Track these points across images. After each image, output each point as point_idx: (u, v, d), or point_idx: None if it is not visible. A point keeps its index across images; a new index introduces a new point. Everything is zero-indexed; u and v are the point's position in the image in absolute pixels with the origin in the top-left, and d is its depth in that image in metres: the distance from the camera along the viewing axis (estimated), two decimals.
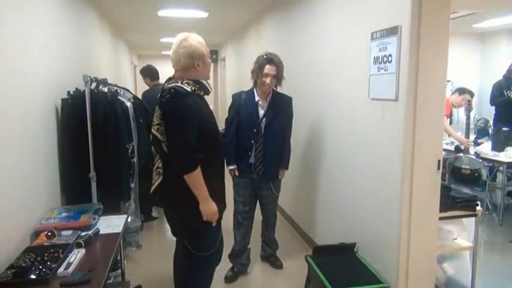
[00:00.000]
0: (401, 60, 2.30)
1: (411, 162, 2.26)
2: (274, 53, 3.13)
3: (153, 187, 2.15)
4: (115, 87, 3.40)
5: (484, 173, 4.50)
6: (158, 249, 3.86)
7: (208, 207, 2.07)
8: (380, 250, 2.53)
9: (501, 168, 4.43)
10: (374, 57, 2.57)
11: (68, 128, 2.87)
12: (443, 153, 4.99)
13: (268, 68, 2.98)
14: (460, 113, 6.01)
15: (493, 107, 5.53)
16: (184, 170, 1.99)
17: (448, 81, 6.66)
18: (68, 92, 2.98)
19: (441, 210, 2.40)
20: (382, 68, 2.49)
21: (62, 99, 2.91)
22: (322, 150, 3.47)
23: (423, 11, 2.18)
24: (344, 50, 3.03)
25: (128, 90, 3.88)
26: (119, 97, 3.25)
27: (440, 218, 2.42)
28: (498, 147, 4.51)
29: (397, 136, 2.32)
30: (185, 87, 2.01)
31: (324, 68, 3.40)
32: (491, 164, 4.58)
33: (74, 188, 2.91)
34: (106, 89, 3.18)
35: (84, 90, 2.87)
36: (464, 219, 2.65)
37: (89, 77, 2.92)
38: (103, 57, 5.41)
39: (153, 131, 2.07)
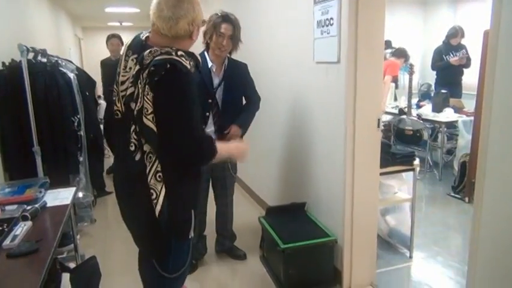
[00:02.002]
0: (341, 23, 2.36)
1: (353, 121, 2.37)
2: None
3: (159, 205, 1.49)
4: (56, 58, 3.25)
5: (425, 134, 4.81)
6: (113, 223, 3.83)
7: (237, 147, 1.78)
8: (328, 207, 2.68)
9: (441, 128, 4.73)
10: (317, 21, 2.63)
11: (7, 101, 2.73)
12: (389, 116, 5.30)
13: (224, 27, 2.54)
14: (405, 78, 6.28)
15: (435, 72, 5.83)
16: (205, 163, 1.61)
17: (393, 47, 6.93)
18: (3, 63, 2.81)
19: (382, 166, 2.55)
20: (325, 32, 2.55)
21: None
22: (273, 114, 3.54)
23: None
24: (290, 14, 3.06)
25: (71, 62, 3.72)
26: (60, 68, 3.11)
27: (381, 174, 2.58)
28: (437, 108, 4.80)
29: (340, 97, 2.42)
30: (183, 62, 1.46)
31: (273, 33, 3.43)
32: (432, 126, 4.89)
33: (18, 165, 2.81)
34: (45, 60, 3.03)
35: (20, 61, 2.72)
36: (403, 174, 2.84)
37: (25, 46, 2.76)
38: (41, 28, 5.09)
39: (146, 121, 1.43)
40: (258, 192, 4.15)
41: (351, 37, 2.31)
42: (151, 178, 1.49)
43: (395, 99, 5.94)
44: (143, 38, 1.59)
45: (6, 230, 1.82)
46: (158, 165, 1.49)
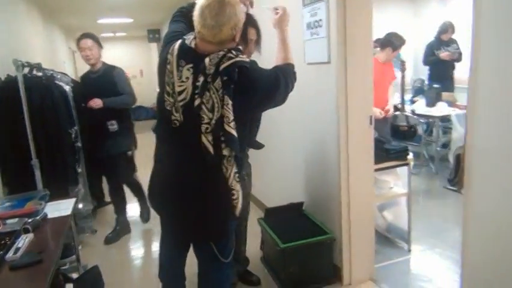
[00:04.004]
0: (330, 24, 2.41)
1: (346, 119, 2.41)
2: None
3: (240, 203, 1.70)
4: (51, 72, 3.29)
5: (420, 129, 4.85)
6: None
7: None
8: (325, 205, 2.71)
9: (436, 123, 4.78)
10: (307, 23, 2.67)
11: (4, 116, 2.77)
12: None
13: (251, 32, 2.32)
14: (398, 75, 6.33)
15: (427, 67, 5.88)
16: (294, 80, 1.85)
17: None
18: None
19: (377, 162, 2.60)
20: (314, 33, 2.60)
21: None
22: (267, 117, 3.57)
23: None
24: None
25: (66, 75, 3.76)
26: (56, 81, 3.15)
27: (376, 170, 2.63)
28: (431, 103, 4.85)
29: (331, 96, 2.46)
30: (244, 59, 1.60)
31: (264, 35, 3.46)
32: (426, 121, 4.93)
33: (16, 179, 2.84)
34: (40, 74, 3.07)
35: (16, 76, 2.75)
36: (398, 169, 2.88)
37: (20, 61, 2.80)
38: (35, 43, 5.13)
39: (229, 128, 1.56)
40: (256, 194, 4.18)
41: (340, 38, 2.35)
42: (232, 180, 1.65)
43: None
44: (191, 45, 1.61)
45: (8, 243, 1.85)
46: (236, 167, 1.65)
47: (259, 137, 2.62)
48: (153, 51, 11.54)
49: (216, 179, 1.65)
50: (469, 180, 1.57)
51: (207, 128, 1.57)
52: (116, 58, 11.76)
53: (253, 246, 3.13)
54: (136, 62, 11.92)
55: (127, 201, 3.82)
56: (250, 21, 2.19)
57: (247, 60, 1.61)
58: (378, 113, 3.63)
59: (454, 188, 4.11)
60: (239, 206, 1.68)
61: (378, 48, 3.96)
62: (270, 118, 3.47)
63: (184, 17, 1.89)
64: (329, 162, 2.57)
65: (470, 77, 1.52)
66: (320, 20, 2.51)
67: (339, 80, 2.39)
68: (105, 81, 3.36)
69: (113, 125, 3.38)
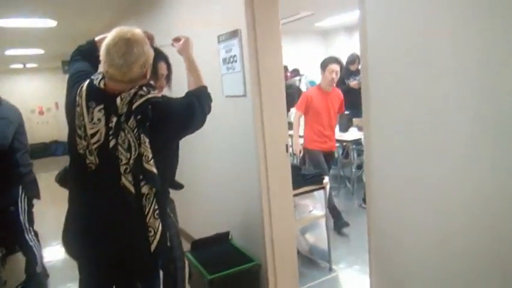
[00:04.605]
0: (244, 60, 2.55)
1: (264, 148, 2.54)
2: None
3: (156, 241, 1.64)
4: None
5: (336, 153, 5.20)
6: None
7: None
8: (250, 233, 2.78)
9: (351, 146, 5.16)
10: (223, 58, 2.80)
11: None
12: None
13: (161, 66, 2.32)
14: None
15: None
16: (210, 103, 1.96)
17: (302, 74, 7.43)
18: None
19: (295, 187, 2.75)
20: (230, 68, 2.73)
21: None
22: (191, 149, 3.61)
23: (256, 16, 2.45)
24: (199, 52, 3.20)
25: None
26: None
27: (295, 195, 2.78)
28: (343, 128, 5.25)
29: (249, 127, 2.58)
30: (156, 95, 1.62)
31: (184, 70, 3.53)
32: (341, 145, 5.31)
33: None
34: None
35: None
36: (315, 193, 3.07)
37: None
38: None
39: (148, 166, 1.55)
40: (184, 227, 4.13)
41: (253, 72, 2.50)
42: (150, 217, 1.61)
43: None
44: (100, 85, 1.58)
45: None
46: (156, 204, 1.62)
47: (181, 171, 2.65)
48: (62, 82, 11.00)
49: (135, 217, 1.63)
50: (369, 199, 1.76)
51: (126, 169, 1.56)
52: (28, 91, 11.13)
53: None
54: (51, 95, 11.25)
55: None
56: (160, 56, 2.19)
57: (159, 95, 1.64)
58: (298, 147, 4.04)
59: None
60: (155, 242, 1.64)
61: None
62: (192, 149, 3.52)
63: (84, 55, 1.85)
64: (251, 190, 2.66)
65: (364, 109, 1.72)
66: (235, 55, 2.65)
67: (255, 112, 2.53)
68: None
69: None
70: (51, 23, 5.36)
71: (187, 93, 1.87)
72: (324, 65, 4.12)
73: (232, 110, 2.78)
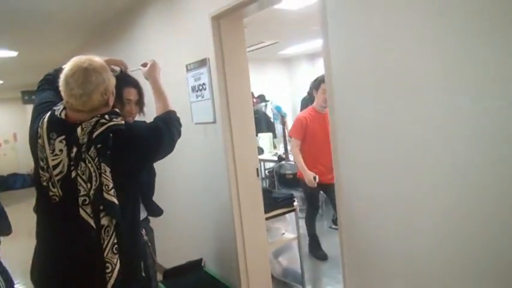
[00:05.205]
0: (213, 87, 2.62)
1: (235, 173, 2.58)
2: None
3: (113, 279, 1.52)
4: None
5: None
6: None
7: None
8: (223, 258, 2.78)
9: None
10: (192, 87, 2.86)
11: None
12: (271, 163, 5.73)
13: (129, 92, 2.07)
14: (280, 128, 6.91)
15: None
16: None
17: (267, 100, 7.59)
18: None
19: (267, 210, 2.79)
20: (199, 95, 2.79)
21: None
22: (162, 178, 3.58)
23: (224, 45, 2.54)
24: (168, 79, 3.24)
25: None
26: None
27: (267, 218, 2.81)
28: None
29: (220, 153, 2.63)
30: (118, 122, 1.56)
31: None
32: None
33: None
34: None
35: None
36: (287, 215, 3.11)
37: None
38: None
39: (109, 196, 1.50)
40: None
41: (222, 99, 2.57)
42: (108, 251, 1.52)
43: (274, 147, 6.46)
44: (61, 115, 1.54)
45: None
46: (115, 238, 1.53)
47: (154, 198, 2.63)
48: (28, 113, 10.62)
49: (95, 251, 1.53)
50: (340, 220, 1.83)
51: (84, 200, 1.51)
52: None
53: None
54: (9, 126, 10.84)
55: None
56: (127, 82, 2.04)
57: (122, 122, 1.58)
58: (312, 179, 3.46)
59: (337, 227, 4.51)
60: (112, 280, 1.52)
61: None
62: (163, 176, 3.49)
63: (51, 84, 1.82)
64: (223, 215, 2.68)
65: (331, 131, 1.82)
66: (204, 83, 2.71)
67: (225, 138, 2.58)
68: None
69: None
70: (11, 53, 5.27)
71: (154, 119, 1.86)
72: (317, 84, 3.70)
73: (202, 136, 2.82)
